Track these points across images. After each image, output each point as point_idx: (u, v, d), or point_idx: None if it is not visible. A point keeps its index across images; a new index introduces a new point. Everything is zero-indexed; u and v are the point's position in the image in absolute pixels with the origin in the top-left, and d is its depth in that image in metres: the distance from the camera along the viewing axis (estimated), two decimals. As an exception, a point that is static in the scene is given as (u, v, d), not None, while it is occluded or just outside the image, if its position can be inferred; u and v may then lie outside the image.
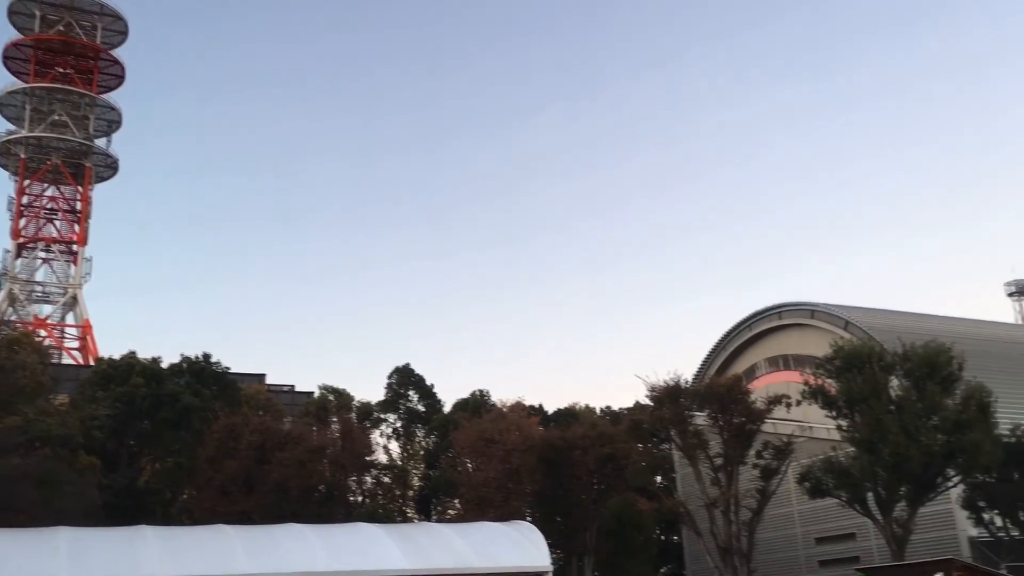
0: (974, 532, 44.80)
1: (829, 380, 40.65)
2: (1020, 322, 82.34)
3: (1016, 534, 40.78)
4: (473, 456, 49.86)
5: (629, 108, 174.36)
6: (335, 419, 54.07)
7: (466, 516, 46.09)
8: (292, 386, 70.33)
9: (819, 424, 47.87)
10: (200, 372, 51.47)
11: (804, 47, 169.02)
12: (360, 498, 55.04)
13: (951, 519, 46.70)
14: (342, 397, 58.46)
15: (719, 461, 44.77)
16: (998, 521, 41.59)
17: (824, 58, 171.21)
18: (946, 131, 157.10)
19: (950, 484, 40.23)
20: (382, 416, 62.90)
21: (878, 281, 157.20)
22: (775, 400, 45.05)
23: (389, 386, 64.90)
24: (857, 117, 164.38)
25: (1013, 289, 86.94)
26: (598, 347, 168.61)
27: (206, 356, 52.59)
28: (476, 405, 61.25)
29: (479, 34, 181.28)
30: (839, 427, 40.68)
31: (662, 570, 72.43)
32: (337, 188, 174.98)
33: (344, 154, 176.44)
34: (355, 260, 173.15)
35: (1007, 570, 38.26)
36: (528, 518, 45.50)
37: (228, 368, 53.88)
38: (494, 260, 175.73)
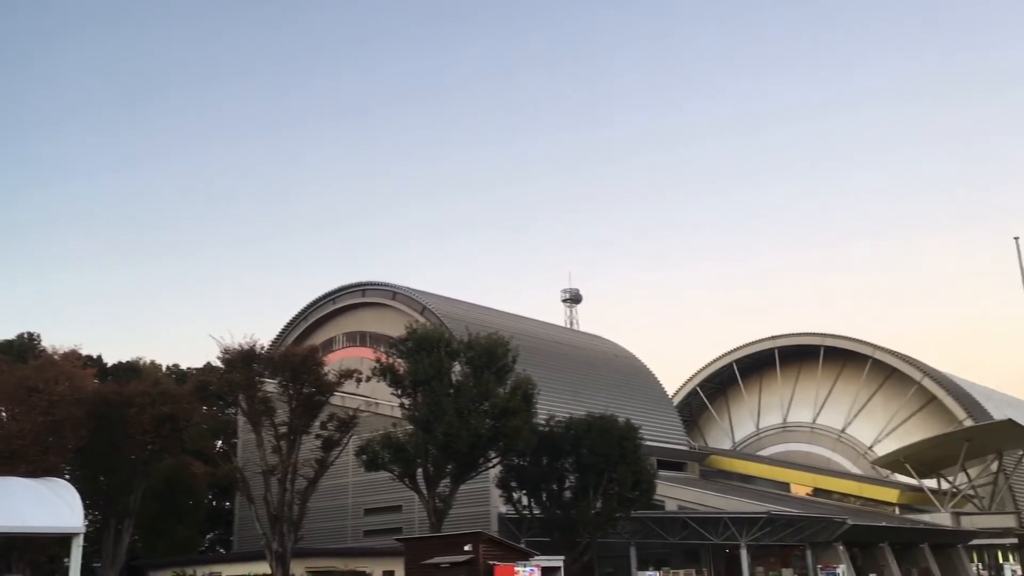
0: (504, 509, 49.29)
1: (400, 360, 42.52)
2: (569, 326, 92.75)
3: (537, 512, 45.79)
4: (9, 405, 44.98)
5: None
6: None
7: (-8, 471, 41.43)
8: None
9: (385, 401, 49.92)
10: None
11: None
12: None
13: (486, 496, 51.17)
14: None
15: (284, 429, 44.81)
16: (524, 500, 46.36)
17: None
18: (525, 136, 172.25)
19: (491, 464, 44.08)
20: None
21: (461, 272, 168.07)
22: (346, 374, 46.02)
23: (-90, 317, 56.51)
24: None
25: (567, 296, 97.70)
26: (180, 305, 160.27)
27: None
28: (22, 349, 55.33)
29: None
30: (402, 405, 42.67)
31: (209, 535, 71.19)
32: None
33: None
34: None
35: (525, 544, 42.83)
36: (67, 476, 42.22)
37: None
38: (75, 200, 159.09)
